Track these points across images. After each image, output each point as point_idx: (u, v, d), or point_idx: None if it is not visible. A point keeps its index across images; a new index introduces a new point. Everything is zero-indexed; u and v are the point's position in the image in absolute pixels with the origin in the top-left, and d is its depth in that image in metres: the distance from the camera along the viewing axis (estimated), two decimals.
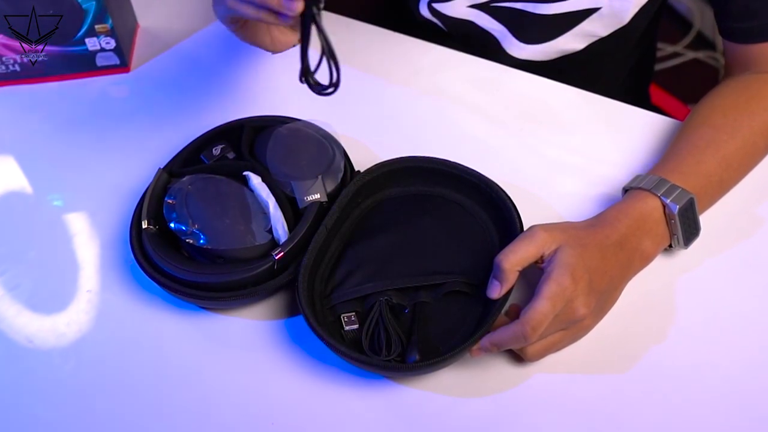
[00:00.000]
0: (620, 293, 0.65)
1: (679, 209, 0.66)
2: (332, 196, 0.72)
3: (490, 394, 0.63)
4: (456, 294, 0.67)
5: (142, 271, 0.67)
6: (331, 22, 0.95)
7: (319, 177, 0.72)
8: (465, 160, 0.74)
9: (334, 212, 0.70)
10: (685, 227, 0.67)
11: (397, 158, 0.75)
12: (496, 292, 0.63)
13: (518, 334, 0.59)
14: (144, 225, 0.68)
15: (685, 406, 0.62)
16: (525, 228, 0.67)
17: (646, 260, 0.67)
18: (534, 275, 0.64)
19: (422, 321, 0.65)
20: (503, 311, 0.64)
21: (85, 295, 0.71)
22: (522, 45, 0.92)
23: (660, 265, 0.70)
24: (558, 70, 0.92)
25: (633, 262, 0.66)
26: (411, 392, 0.63)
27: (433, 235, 0.72)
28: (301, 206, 0.71)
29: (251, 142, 0.78)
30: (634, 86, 1.08)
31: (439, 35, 0.96)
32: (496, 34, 0.93)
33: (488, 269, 0.65)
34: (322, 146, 0.75)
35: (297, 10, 0.58)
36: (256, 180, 0.72)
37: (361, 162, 0.76)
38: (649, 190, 0.67)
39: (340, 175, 0.73)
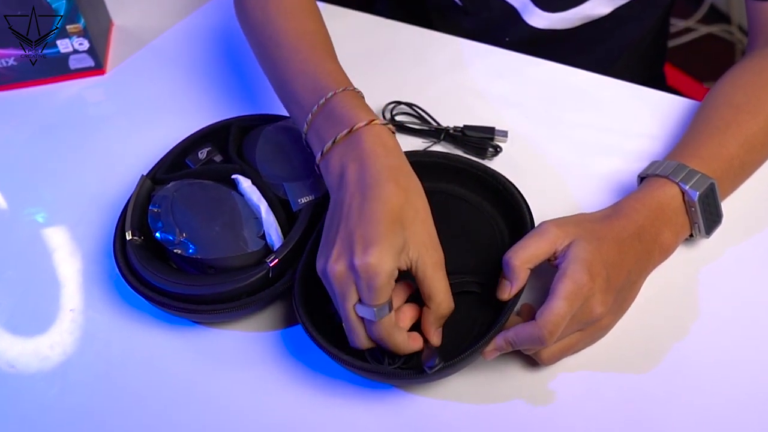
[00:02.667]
0: (639, 289, 0.65)
1: (699, 196, 0.66)
2: (327, 198, 0.72)
3: (504, 400, 0.63)
4: (465, 295, 0.67)
5: (128, 286, 0.67)
6: (334, 14, 0.96)
7: (313, 177, 0.72)
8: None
9: None
10: (706, 215, 0.67)
11: None
12: (506, 292, 0.63)
13: (534, 336, 0.59)
14: (128, 236, 0.69)
15: (711, 405, 0.62)
16: (536, 222, 0.68)
17: (665, 252, 0.67)
18: (547, 273, 0.64)
19: None
20: (515, 311, 0.64)
21: (68, 315, 0.71)
22: (544, 14, 0.92)
23: (681, 257, 0.70)
24: (579, 39, 0.92)
25: (652, 254, 0.66)
26: (421, 400, 0.64)
27: (439, 232, 0.72)
28: (295, 209, 0.71)
29: (239, 143, 0.78)
30: (650, 64, 1.08)
31: (453, 11, 0.96)
32: (515, 3, 0.93)
33: (498, 268, 0.65)
34: None
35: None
36: (245, 183, 0.72)
37: None
38: (666, 177, 0.67)
39: None
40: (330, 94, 0.66)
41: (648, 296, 0.67)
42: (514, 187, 0.72)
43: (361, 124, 0.63)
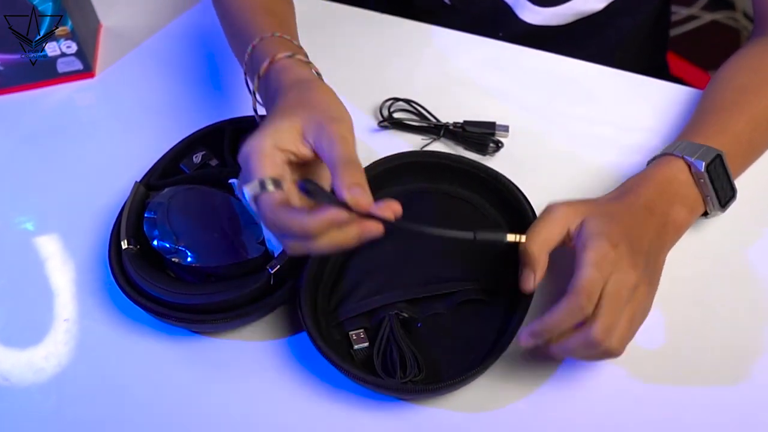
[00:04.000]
0: (662, 266, 0.65)
1: (706, 166, 0.66)
2: None
3: (515, 402, 0.64)
4: (472, 303, 0.68)
5: (124, 296, 0.67)
6: (321, 9, 0.96)
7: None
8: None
9: None
10: (718, 186, 0.67)
11: (396, 154, 0.76)
12: (530, 281, 0.62)
13: (573, 306, 0.57)
14: (124, 245, 0.69)
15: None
16: None
17: (679, 229, 0.67)
18: (560, 274, 0.64)
19: (437, 335, 0.66)
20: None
21: (62, 325, 0.72)
22: (537, 9, 0.93)
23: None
24: (573, 35, 0.93)
25: (667, 228, 0.65)
26: (431, 412, 0.64)
27: (440, 236, 0.72)
28: None
29: (234, 145, 0.78)
30: (650, 55, 1.09)
31: (443, 11, 0.97)
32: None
33: (505, 272, 0.66)
34: None
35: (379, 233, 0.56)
36: None
37: None
38: (671, 153, 0.68)
39: None
40: (257, 39, 0.71)
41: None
42: (517, 188, 0.72)
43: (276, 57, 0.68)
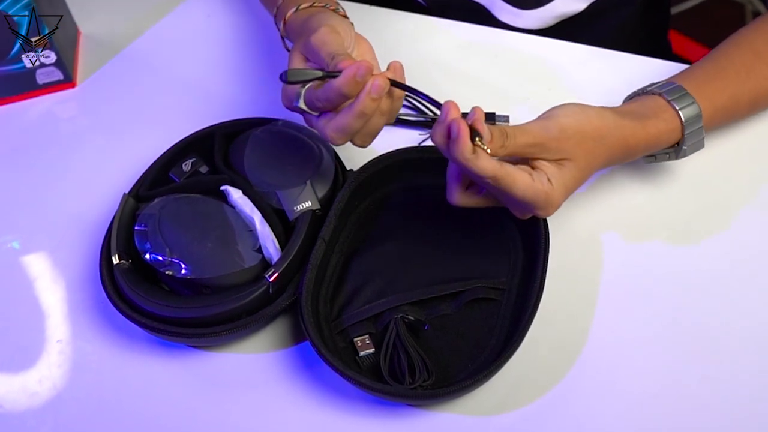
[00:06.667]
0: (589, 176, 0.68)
1: (688, 119, 0.71)
2: (325, 203, 0.73)
3: (529, 404, 0.64)
4: (479, 302, 0.68)
5: (118, 313, 0.67)
6: None
7: (308, 182, 0.73)
8: None
9: (330, 221, 0.71)
10: (690, 139, 0.72)
11: (393, 151, 0.76)
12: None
13: (489, 177, 0.60)
14: (115, 260, 0.69)
15: None
16: (547, 220, 0.68)
17: (653, 143, 0.71)
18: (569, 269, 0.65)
19: (445, 337, 0.66)
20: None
21: (55, 346, 0.72)
22: (515, 11, 0.93)
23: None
24: (557, 36, 0.93)
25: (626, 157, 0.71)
26: (443, 417, 0.64)
27: (445, 235, 0.72)
28: (291, 218, 0.71)
29: (225, 151, 0.78)
30: (648, 37, 1.09)
31: (416, 11, 0.97)
32: (483, 1, 0.94)
33: (511, 268, 0.66)
34: (307, 147, 0.76)
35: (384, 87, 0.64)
36: (236, 194, 0.72)
37: (354, 159, 0.77)
38: (668, 101, 0.71)
39: (331, 177, 0.74)
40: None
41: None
42: None
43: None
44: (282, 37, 0.81)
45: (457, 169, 0.64)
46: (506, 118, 0.82)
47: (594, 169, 0.68)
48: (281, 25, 0.79)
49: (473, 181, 0.65)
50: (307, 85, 0.67)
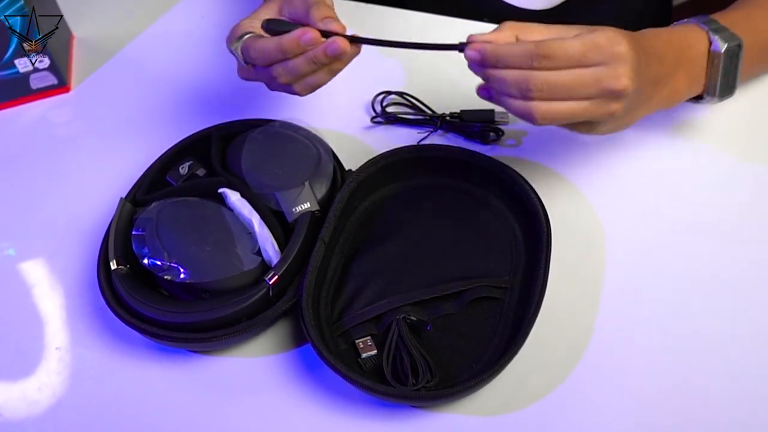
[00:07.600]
0: (652, 110, 0.66)
1: (726, 49, 0.67)
2: (324, 203, 0.73)
3: (534, 403, 0.64)
4: (482, 301, 0.68)
5: (117, 318, 0.67)
6: None
7: (306, 183, 0.73)
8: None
9: (330, 222, 0.71)
10: (724, 75, 0.69)
11: (392, 149, 0.76)
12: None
13: (526, 52, 0.56)
14: (113, 265, 0.69)
15: None
16: (549, 216, 0.68)
17: (673, 97, 0.68)
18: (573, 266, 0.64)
19: (448, 337, 0.66)
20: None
21: (54, 354, 0.72)
22: None
23: None
24: (564, 18, 0.93)
25: (666, 87, 0.66)
26: (447, 418, 0.64)
27: (446, 234, 0.72)
28: (290, 220, 0.71)
29: (222, 153, 0.78)
30: (650, 24, 1.09)
31: (417, 7, 0.97)
32: None
33: (514, 267, 0.66)
34: (305, 147, 0.76)
35: (345, 49, 0.66)
36: (234, 197, 0.73)
37: (352, 159, 0.77)
38: (695, 24, 0.69)
39: (330, 177, 0.74)
40: None
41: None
42: (522, 178, 0.72)
43: None
44: None
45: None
46: (505, 115, 0.82)
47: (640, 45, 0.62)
48: None
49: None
50: (249, 35, 0.71)
